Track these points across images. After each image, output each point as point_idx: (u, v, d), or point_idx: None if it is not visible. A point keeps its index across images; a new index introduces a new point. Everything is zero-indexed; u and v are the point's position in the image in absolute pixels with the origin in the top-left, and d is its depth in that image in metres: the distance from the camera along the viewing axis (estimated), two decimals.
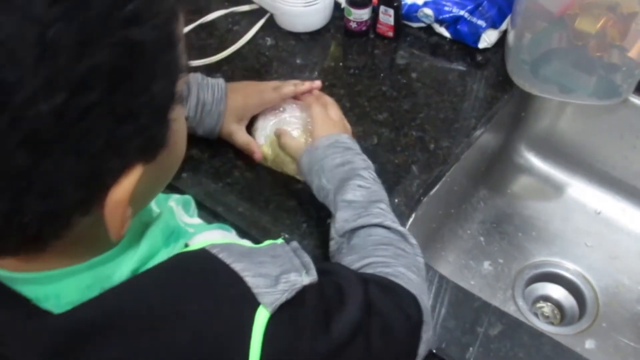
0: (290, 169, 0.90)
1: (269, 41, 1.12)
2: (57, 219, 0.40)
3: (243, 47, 1.11)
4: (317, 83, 0.93)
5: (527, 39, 0.99)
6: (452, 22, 1.08)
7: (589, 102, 1.02)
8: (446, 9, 1.08)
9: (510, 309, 1.03)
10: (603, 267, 1.09)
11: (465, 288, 0.79)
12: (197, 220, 0.64)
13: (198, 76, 0.91)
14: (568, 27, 0.95)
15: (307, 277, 0.51)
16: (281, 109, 0.94)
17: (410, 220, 0.89)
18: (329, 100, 0.91)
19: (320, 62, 1.09)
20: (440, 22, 1.10)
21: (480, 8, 1.07)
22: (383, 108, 1.00)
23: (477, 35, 1.06)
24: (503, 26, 1.08)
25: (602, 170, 1.15)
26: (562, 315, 1.06)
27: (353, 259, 0.70)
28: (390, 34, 1.11)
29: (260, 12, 1.16)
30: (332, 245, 0.76)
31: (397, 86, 1.04)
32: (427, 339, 0.64)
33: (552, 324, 1.05)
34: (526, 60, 1.01)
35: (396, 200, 0.87)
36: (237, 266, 0.48)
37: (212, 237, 0.55)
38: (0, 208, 0.38)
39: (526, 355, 0.72)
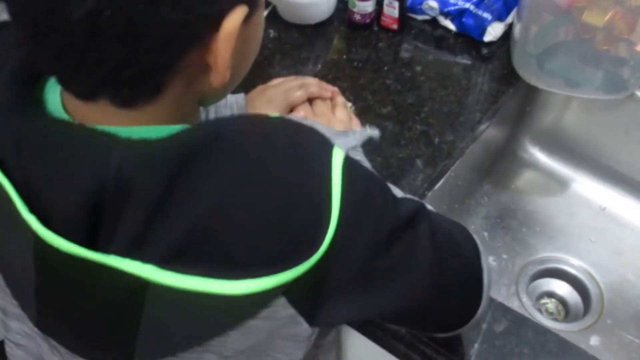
0: None
1: (272, 33, 1.11)
2: (168, 58, 0.44)
3: None
4: (331, 89, 0.92)
5: (533, 32, 0.98)
6: (458, 15, 1.07)
7: (595, 96, 1.01)
8: (451, 1, 1.07)
9: (514, 304, 1.02)
10: (608, 263, 1.08)
11: None
12: None
13: None
14: (575, 20, 0.94)
15: (370, 130, 0.57)
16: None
17: None
18: (339, 101, 0.90)
19: (324, 55, 1.08)
20: (445, 15, 1.09)
21: (486, 0, 1.06)
22: (387, 101, 0.99)
23: (482, 28, 1.05)
24: (509, 19, 1.07)
25: (607, 166, 1.14)
26: (566, 312, 1.05)
27: None
28: (395, 26, 1.09)
29: None
30: None
31: (402, 79, 1.03)
32: (489, 269, 0.63)
33: (556, 320, 1.04)
34: (532, 53, 1.00)
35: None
36: (310, 121, 0.54)
37: None
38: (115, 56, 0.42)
39: (531, 351, 0.71)
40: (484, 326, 0.73)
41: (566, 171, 1.18)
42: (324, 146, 0.50)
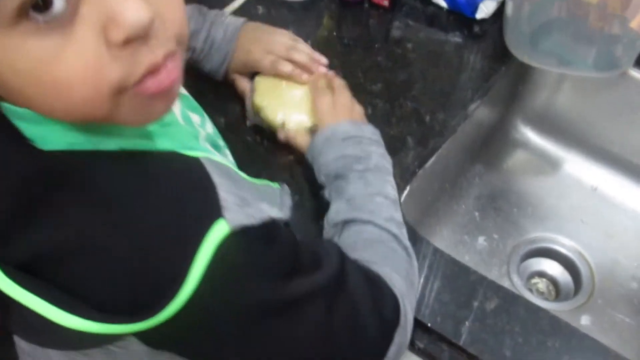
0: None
1: (261, 10, 1.09)
2: None
3: (233, 14, 1.08)
4: (323, 61, 0.91)
5: (526, 9, 0.97)
6: None
7: (588, 74, 1.00)
8: None
9: (504, 284, 1.00)
10: (599, 244, 1.07)
11: (460, 262, 0.78)
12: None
13: (214, 12, 0.92)
14: None
15: (278, 211, 0.50)
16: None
17: (405, 192, 0.87)
18: (337, 83, 0.88)
19: (314, 33, 1.06)
20: None
21: None
22: (378, 79, 0.98)
23: (474, 5, 1.04)
24: None
25: (599, 146, 1.13)
26: (557, 292, 1.05)
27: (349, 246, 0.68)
28: (386, 3, 1.08)
29: None
30: (325, 233, 0.74)
31: (392, 57, 1.02)
32: (401, 343, 0.62)
33: (546, 300, 1.04)
34: (525, 31, 0.98)
35: None
36: (216, 179, 0.48)
37: (216, 158, 0.54)
38: None
39: (522, 329, 0.71)
40: (475, 304, 0.73)
41: (558, 151, 1.17)
42: (206, 216, 0.46)
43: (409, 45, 1.04)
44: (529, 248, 1.07)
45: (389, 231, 0.69)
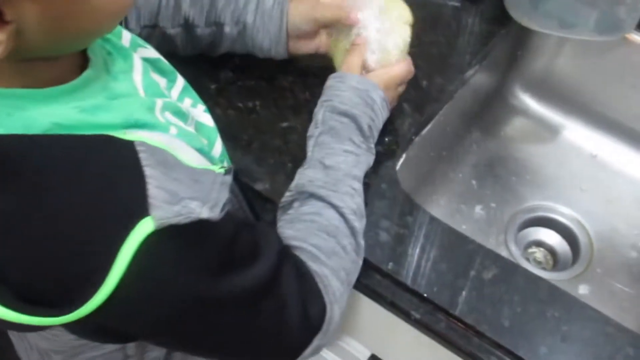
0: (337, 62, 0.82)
1: None
2: None
3: None
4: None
5: None
6: None
7: (589, 37, 0.97)
8: None
9: (502, 253, 0.99)
10: (598, 212, 1.05)
11: (458, 231, 0.76)
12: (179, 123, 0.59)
13: None
14: None
15: (208, 211, 0.48)
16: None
17: (401, 160, 0.85)
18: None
19: None
20: None
21: None
22: None
23: None
24: None
25: (599, 112, 1.11)
26: (554, 261, 1.04)
27: (289, 235, 0.65)
28: None
29: None
30: (287, 196, 0.70)
31: None
32: (318, 346, 0.62)
33: (544, 269, 1.02)
34: None
35: (387, 139, 0.83)
36: (148, 171, 0.47)
37: (158, 138, 0.52)
38: None
39: (521, 299, 0.69)
40: (472, 274, 0.71)
41: (557, 118, 1.14)
42: (132, 213, 0.46)
43: None
44: (527, 217, 1.05)
45: (351, 225, 0.67)
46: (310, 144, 0.72)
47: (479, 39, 0.97)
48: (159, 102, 0.56)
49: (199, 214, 0.47)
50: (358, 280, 0.72)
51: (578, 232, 1.03)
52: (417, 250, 0.73)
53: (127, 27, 0.77)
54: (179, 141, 0.54)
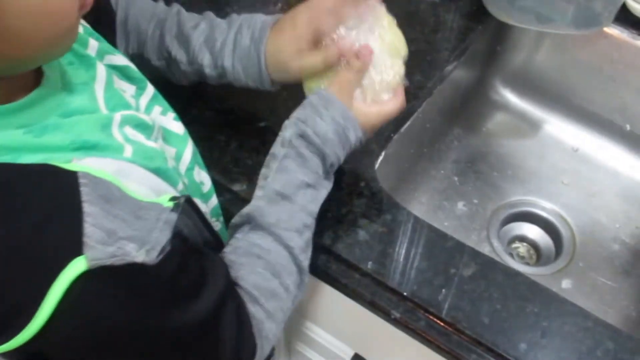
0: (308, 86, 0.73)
1: None
2: None
3: None
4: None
5: None
6: None
7: (567, 31, 0.97)
8: None
9: (485, 249, 0.99)
10: (580, 205, 1.05)
11: (438, 228, 0.75)
12: (142, 139, 0.57)
13: (243, 17, 0.75)
14: None
15: (144, 255, 0.47)
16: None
17: (380, 158, 0.84)
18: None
19: None
20: None
21: None
22: None
23: None
24: None
25: (579, 106, 1.11)
26: (538, 256, 1.03)
27: (234, 266, 0.62)
28: None
29: None
30: (236, 218, 0.66)
31: None
32: None
33: (527, 264, 1.02)
34: None
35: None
36: (87, 207, 0.46)
37: (104, 166, 0.50)
38: None
39: (501, 295, 0.69)
40: (452, 271, 0.70)
41: (538, 112, 1.14)
42: (65, 252, 0.45)
43: (384, 5, 1.00)
44: (509, 212, 1.05)
45: (298, 263, 0.64)
46: (273, 166, 0.66)
47: (457, 34, 0.97)
48: (117, 117, 0.55)
49: (133, 258, 0.46)
50: (337, 280, 0.71)
51: (560, 226, 1.03)
52: (397, 248, 0.73)
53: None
54: (130, 165, 0.53)
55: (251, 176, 0.79)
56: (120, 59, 0.64)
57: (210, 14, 0.78)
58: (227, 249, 0.65)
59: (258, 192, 0.66)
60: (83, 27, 0.62)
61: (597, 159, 1.10)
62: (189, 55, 0.75)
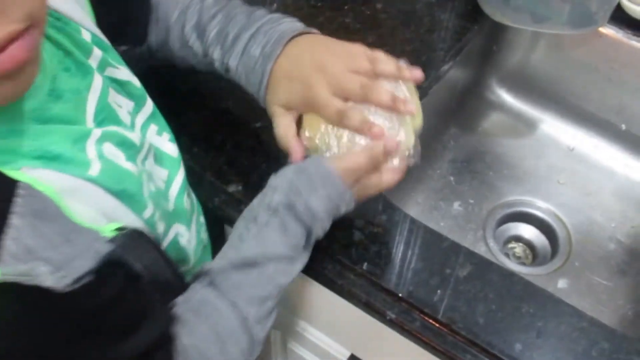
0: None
1: None
2: None
3: None
4: (417, 74, 0.70)
5: None
6: None
7: (562, 31, 0.97)
8: None
9: (481, 250, 0.99)
10: (576, 205, 1.05)
11: (433, 229, 0.75)
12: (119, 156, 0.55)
13: (270, 16, 0.72)
14: None
15: (56, 279, 0.44)
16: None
17: None
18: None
19: None
20: None
21: None
22: (347, 41, 0.94)
23: None
24: None
25: (575, 105, 1.11)
26: (534, 255, 1.03)
27: (181, 315, 0.59)
28: None
29: None
30: (202, 266, 0.64)
31: (361, 18, 0.98)
32: None
33: (523, 264, 1.02)
34: None
35: None
36: (14, 219, 0.43)
37: (56, 181, 0.48)
38: None
39: (496, 295, 0.69)
40: (448, 271, 0.70)
41: (534, 112, 1.14)
42: None
43: (379, 5, 1.00)
44: (505, 212, 1.05)
45: (250, 333, 0.60)
46: (252, 229, 0.62)
47: (453, 34, 0.97)
48: (97, 132, 0.53)
49: (41, 281, 0.44)
50: (333, 280, 0.71)
51: (556, 226, 1.03)
52: (392, 249, 0.73)
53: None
54: (88, 185, 0.50)
55: (247, 177, 0.79)
56: (123, 73, 0.62)
57: (234, 2, 0.76)
58: (180, 298, 0.61)
59: (229, 252, 0.63)
60: (91, 34, 0.60)
61: (593, 159, 1.10)
62: (204, 47, 0.75)
